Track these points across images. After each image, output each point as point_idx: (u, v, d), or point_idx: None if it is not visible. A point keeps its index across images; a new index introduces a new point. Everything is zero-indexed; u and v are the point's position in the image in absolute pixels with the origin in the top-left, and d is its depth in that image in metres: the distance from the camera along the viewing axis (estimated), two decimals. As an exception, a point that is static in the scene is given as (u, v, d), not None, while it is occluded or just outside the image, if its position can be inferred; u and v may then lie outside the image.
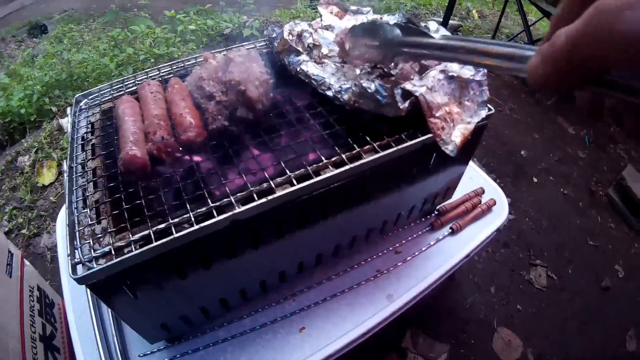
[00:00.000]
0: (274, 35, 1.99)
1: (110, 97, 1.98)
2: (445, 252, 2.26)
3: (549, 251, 4.16)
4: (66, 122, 4.58)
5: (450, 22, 6.40)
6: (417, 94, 1.54)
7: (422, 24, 1.86)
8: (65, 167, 1.62)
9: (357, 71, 1.71)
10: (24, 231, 4.06)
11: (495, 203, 2.52)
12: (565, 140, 5.42)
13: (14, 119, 5.13)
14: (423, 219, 2.40)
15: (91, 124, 1.84)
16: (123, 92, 2.00)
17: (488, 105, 1.70)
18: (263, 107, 1.64)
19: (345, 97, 1.66)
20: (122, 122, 1.63)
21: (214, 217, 1.35)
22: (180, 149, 1.57)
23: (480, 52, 0.85)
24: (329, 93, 1.71)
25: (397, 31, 1.41)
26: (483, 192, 2.59)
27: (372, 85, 1.59)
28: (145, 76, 2.09)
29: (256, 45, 2.17)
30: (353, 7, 2.17)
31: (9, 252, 2.37)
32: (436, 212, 2.43)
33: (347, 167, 1.50)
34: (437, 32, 1.79)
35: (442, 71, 1.65)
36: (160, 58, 5.53)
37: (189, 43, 5.91)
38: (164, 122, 1.58)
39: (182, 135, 1.55)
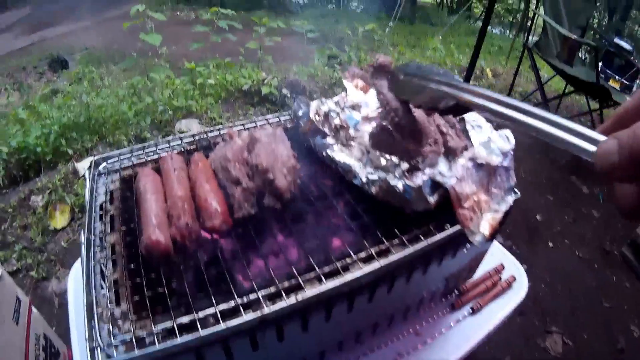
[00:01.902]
0: (300, 113, 1.98)
1: (130, 163, 1.97)
2: (465, 333, 2.18)
3: (564, 316, 4.08)
4: (82, 167, 4.58)
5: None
6: (447, 185, 1.51)
7: None
8: (82, 238, 1.57)
9: (383, 161, 1.68)
10: (32, 273, 3.99)
11: (515, 279, 2.45)
12: (580, 200, 5.38)
13: (29, 155, 5.11)
14: (444, 299, 2.32)
15: (110, 193, 1.82)
16: (144, 159, 1.99)
17: (514, 189, 1.66)
18: (291, 196, 1.59)
19: (373, 190, 1.64)
20: (143, 199, 1.59)
21: (241, 314, 1.31)
22: (205, 234, 1.53)
23: (545, 120, 0.79)
24: (356, 182, 1.69)
25: (453, 75, 1.37)
26: (503, 268, 2.52)
27: (399, 185, 1.58)
28: (167, 145, 2.08)
29: (280, 119, 2.17)
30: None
31: (17, 298, 2.34)
32: (457, 292, 2.36)
33: (376, 264, 1.46)
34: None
35: (471, 159, 1.61)
36: (179, 110, 5.57)
37: (207, 97, 5.91)
38: (188, 205, 1.55)
39: (207, 222, 1.51)
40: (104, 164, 1.96)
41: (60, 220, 4.40)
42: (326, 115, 1.90)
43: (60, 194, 4.58)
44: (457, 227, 1.58)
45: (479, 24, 21.03)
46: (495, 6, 21.58)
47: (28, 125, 5.29)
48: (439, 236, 1.57)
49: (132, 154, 2.02)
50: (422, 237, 1.56)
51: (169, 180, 1.67)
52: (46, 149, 5.07)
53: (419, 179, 1.56)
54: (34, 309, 2.54)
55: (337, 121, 1.86)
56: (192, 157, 1.83)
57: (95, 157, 1.97)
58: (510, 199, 1.63)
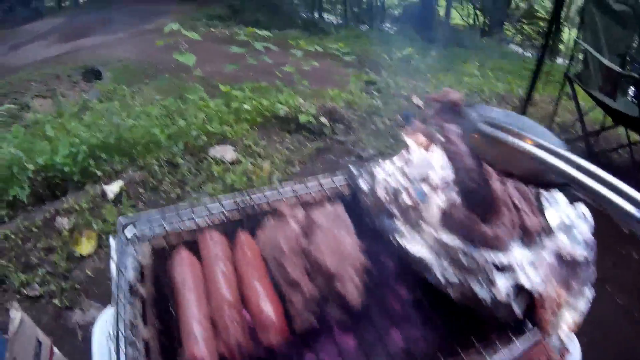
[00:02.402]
0: (365, 187, 1.85)
1: (163, 231, 1.81)
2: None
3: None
4: (110, 190, 4.51)
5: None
6: (534, 293, 1.36)
7: None
8: (111, 331, 1.42)
9: (458, 242, 1.53)
10: (55, 301, 3.90)
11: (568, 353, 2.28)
12: (620, 240, 5.18)
13: (56, 174, 5.08)
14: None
15: (140, 267, 1.66)
16: (178, 228, 1.83)
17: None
18: (359, 305, 1.42)
19: (452, 293, 1.51)
20: (182, 297, 1.46)
21: None
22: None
23: None
24: (430, 279, 1.55)
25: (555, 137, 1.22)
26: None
27: (486, 297, 1.45)
28: (206, 215, 1.90)
29: (335, 182, 2.03)
30: (439, 136, 1.98)
31: (38, 341, 2.28)
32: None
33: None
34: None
35: (556, 254, 1.47)
36: (213, 136, 5.51)
37: (242, 122, 5.86)
38: (237, 312, 1.39)
39: (260, 334, 1.35)
40: (132, 230, 1.80)
41: (86, 246, 4.34)
42: (395, 192, 1.77)
43: (87, 218, 4.53)
44: (537, 334, 1.47)
45: (512, 47, 20.90)
46: (526, 27, 21.34)
47: (56, 143, 5.25)
48: (518, 346, 1.43)
49: (163, 217, 1.87)
50: (499, 346, 1.41)
51: (211, 273, 1.52)
52: (74, 169, 5.03)
53: (505, 285, 1.41)
54: (55, 351, 2.48)
55: (405, 198, 1.73)
56: (238, 238, 1.68)
57: (121, 218, 1.82)
58: (589, 293, 1.48)
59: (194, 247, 1.72)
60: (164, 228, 1.82)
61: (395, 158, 1.95)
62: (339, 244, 1.47)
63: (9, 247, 4.41)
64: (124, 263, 1.65)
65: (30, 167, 4.89)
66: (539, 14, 22.46)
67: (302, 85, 7.03)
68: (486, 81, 8.57)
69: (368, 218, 1.76)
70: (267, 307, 1.38)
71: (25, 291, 4.00)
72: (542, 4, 23.00)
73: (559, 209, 1.62)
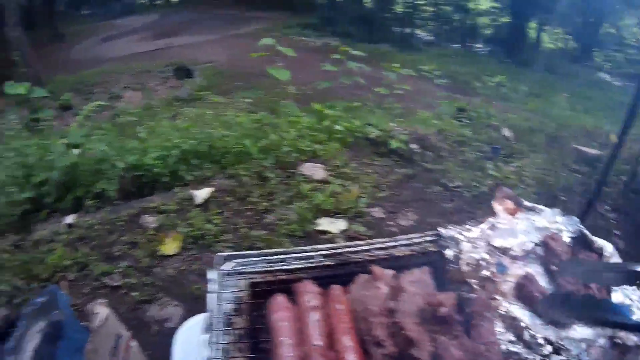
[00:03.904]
0: (451, 254, 1.97)
1: (260, 270, 2.03)
2: None
3: None
4: (199, 195, 4.72)
5: (590, 151, 6.09)
6: None
7: (593, 240, 1.97)
8: (207, 352, 1.64)
9: (527, 315, 1.75)
10: (134, 294, 4.13)
11: None
12: None
13: (146, 174, 5.35)
14: None
15: (238, 301, 1.88)
16: (275, 268, 2.04)
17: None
18: None
19: None
20: (277, 337, 1.66)
21: None
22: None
23: None
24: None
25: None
26: None
27: None
28: (302, 259, 2.09)
29: (424, 240, 2.12)
30: (527, 204, 2.21)
31: (117, 334, 2.54)
32: None
33: None
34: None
35: (610, 336, 1.68)
36: (304, 153, 5.68)
37: (334, 141, 6.00)
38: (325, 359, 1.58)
39: None
40: (231, 264, 2.04)
41: (170, 246, 4.56)
42: (477, 264, 1.91)
43: (174, 220, 4.77)
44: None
45: (601, 74, 20.40)
46: (615, 53, 20.68)
47: (147, 144, 5.57)
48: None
49: (261, 257, 2.08)
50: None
51: (305, 320, 1.73)
52: (164, 171, 5.31)
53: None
54: (132, 343, 2.74)
55: (486, 272, 1.89)
56: (331, 291, 1.87)
57: (223, 255, 2.07)
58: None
59: (288, 289, 1.92)
60: (262, 267, 2.04)
61: (482, 225, 2.09)
62: (421, 312, 1.64)
63: (92, 236, 4.72)
64: (222, 295, 1.89)
65: (120, 165, 5.20)
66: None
67: (394, 108, 7.14)
68: (574, 114, 8.44)
69: (450, 286, 1.89)
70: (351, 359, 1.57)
71: (105, 280, 4.27)
72: (632, 31, 22.44)
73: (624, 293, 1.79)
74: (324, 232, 4.61)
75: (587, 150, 5.84)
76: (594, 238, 1.96)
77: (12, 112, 6.47)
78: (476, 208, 2.20)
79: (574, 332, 1.66)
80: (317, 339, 1.63)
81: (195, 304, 4.03)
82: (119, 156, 5.31)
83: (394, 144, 5.69)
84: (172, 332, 2.38)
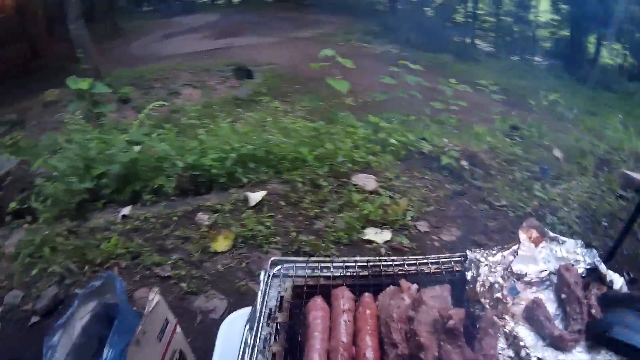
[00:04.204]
0: (469, 276, 2.14)
1: (303, 275, 2.29)
2: None
3: None
4: (253, 197, 4.90)
5: (638, 177, 6.00)
6: None
7: (605, 273, 2.10)
8: (249, 341, 1.90)
9: (531, 335, 1.94)
10: (183, 284, 4.38)
11: None
12: None
13: (203, 174, 5.60)
14: None
15: (280, 299, 2.15)
16: (317, 274, 2.29)
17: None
18: None
19: None
20: (311, 334, 1.93)
21: None
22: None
23: None
24: None
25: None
26: None
27: None
28: (341, 268, 2.34)
29: (452, 261, 2.34)
30: (552, 234, 2.33)
31: (166, 320, 2.75)
32: None
33: None
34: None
35: None
36: (357, 164, 5.82)
37: (387, 154, 6.12)
38: (347, 353, 1.85)
39: None
40: (279, 267, 2.30)
41: (222, 244, 4.79)
42: (491, 286, 2.08)
43: (228, 220, 4.99)
44: None
45: None
46: None
47: (207, 146, 5.79)
48: None
49: (307, 265, 2.33)
50: None
51: (336, 320, 1.99)
52: (221, 172, 5.54)
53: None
54: (178, 329, 2.95)
55: (498, 294, 2.06)
56: (363, 297, 2.12)
57: (273, 259, 2.34)
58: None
59: (326, 292, 2.17)
60: (306, 271, 2.30)
61: (505, 251, 2.25)
62: (434, 323, 1.86)
63: (147, 228, 5.00)
64: (268, 293, 2.16)
65: (180, 164, 5.47)
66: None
67: (448, 123, 7.19)
68: (628, 137, 8.30)
69: (466, 303, 2.07)
70: (370, 355, 1.84)
71: (156, 270, 4.54)
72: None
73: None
74: (369, 242, 4.74)
75: (635, 176, 5.78)
76: (607, 271, 2.09)
77: (74, 105, 6.73)
78: (518, 228, 2.28)
79: (572, 355, 1.82)
80: (344, 337, 1.89)
81: (240, 299, 4.26)
82: (179, 155, 5.58)
83: (445, 160, 5.77)
84: (215, 322, 2.58)
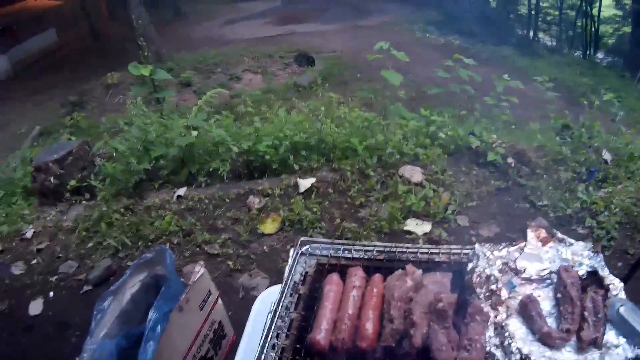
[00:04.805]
0: (469, 266, 2.30)
1: (327, 254, 2.59)
2: None
3: None
4: (303, 184, 5.13)
5: None
6: None
7: (605, 276, 2.16)
8: (272, 307, 2.23)
9: (521, 329, 2.06)
10: (229, 262, 4.72)
11: None
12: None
13: (256, 159, 5.85)
14: None
15: (305, 274, 2.48)
16: (339, 255, 2.58)
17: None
18: (419, 347, 2.02)
19: None
20: (324, 303, 2.24)
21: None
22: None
23: None
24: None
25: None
26: None
27: None
28: (361, 251, 2.60)
29: (462, 253, 2.50)
30: (560, 235, 2.42)
31: (209, 292, 3.12)
32: None
33: None
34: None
35: None
36: (405, 156, 5.92)
37: (436, 147, 6.18)
38: (351, 323, 2.14)
39: (358, 340, 2.07)
40: (307, 246, 2.60)
41: (270, 226, 5.07)
42: (487, 278, 2.23)
43: (277, 204, 5.24)
44: None
45: None
46: None
47: (262, 133, 6.00)
48: None
49: (332, 245, 2.61)
50: None
51: (347, 294, 2.26)
52: (274, 158, 5.75)
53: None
54: (219, 301, 3.31)
55: (493, 286, 2.19)
56: (373, 277, 2.36)
57: (302, 238, 2.64)
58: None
59: (344, 271, 2.44)
60: (330, 252, 2.59)
61: (512, 247, 2.37)
62: (429, 305, 2.08)
63: (200, 208, 5.34)
64: (295, 268, 2.47)
65: (235, 149, 5.74)
66: None
67: (499, 119, 7.17)
68: None
69: (464, 292, 2.25)
70: (369, 327, 2.10)
71: (205, 247, 4.88)
72: None
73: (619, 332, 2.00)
74: (409, 232, 4.90)
75: None
76: (607, 275, 2.17)
77: (135, 89, 7.01)
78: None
79: (560, 354, 1.94)
80: (350, 309, 2.17)
81: (281, 279, 4.41)
82: (235, 141, 5.83)
83: (491, 156, 5.78)
84: (255, 299, 2.80)
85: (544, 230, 2.44)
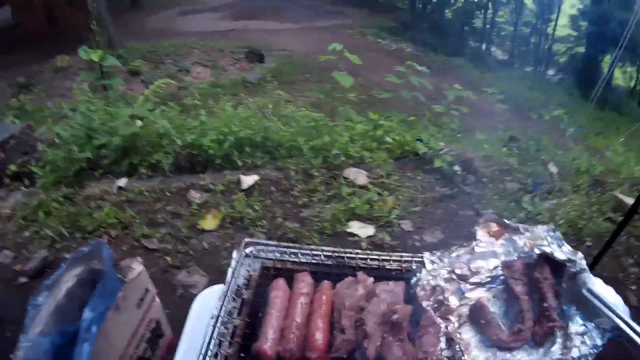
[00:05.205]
0: (414, 280, 2.23)
1: (273, 258, 2.49)
2: None
3: None
4: (246, 181, 5.06)
5: (630, 201, 5.91)
6: None
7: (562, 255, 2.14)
8: (215, 312, 2.11)
9: (474, 337, 2.08)
10: (168, 258, 4.58)
11: None
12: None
13: (200, 153, 5.77)
14: None
15: (249, 278, 2.36)
16: (286, 259, 2.49)
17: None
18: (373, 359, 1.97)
19: None
20: (270, 310, 2.16)
21: None
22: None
23: None
24: None
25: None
26: None
27: None
28: (309, 255, 2.51)
29: (413, 261, 2.42)
30: (513, 225, 2.40)
31: (146, 289, 3.02)
32: None
33: None
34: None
35: None
36: (351, 158, 5.93)
37: (382, 151, 6.21)
38: (299, 332, 2.06)
39: (307, 351, 2.00)
40: (251, 249, 2.49)
41: (210, 223, 4.98)
42: (433, 289, 2.19)
43: (219, 200, 5.16)
44: None
45: None
46: None
47: (207, 127, 5.93)
48: None
49: (277, 248, 2.52)
50: None
51: (294, 301, 2.19)
52: (217, 153, 5.69)
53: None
54: (157, 299, 3.21)
55: (440, 297, 2.16)
56: (322, 284, 2.31)
57: (246, 240, 2.53)
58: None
59: (290, 276, 2.38)
60: (275, 255, 2.49)
61: (461, 250, 2.36)
62: (382, 315, 2.03)
63: (140, 201, 5.22)
64: (239, 271, 2.36)
65: (179, 142, 5.63)
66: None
67: (448, 127, 7.24)
68: (627, 161, 8.24)
69: (411, 303, 2.17)
70: (319, 337, 2.03)
71: (144, 242, 4.74)
72: None
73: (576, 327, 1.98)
74: (352, 235, 4.86)
75: (627, 200, 5.76)
76: (566, 252, 2.16)
77: (83, 75, 6.87)
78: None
79: (512, 357, 1.93)
80: (298, 317, 2.10)
81: (220, 277, 4.32)
82: (179, 133, 5.72)
83: (438, 163, 5.79)
84: (194, 297, 2.73)
85: (494, 224, 2.43)
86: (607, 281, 2.09)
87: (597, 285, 2.01)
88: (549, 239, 2.26)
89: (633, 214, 3.80)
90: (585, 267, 2.09)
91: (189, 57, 14.87)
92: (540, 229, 2.34)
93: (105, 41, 11.74)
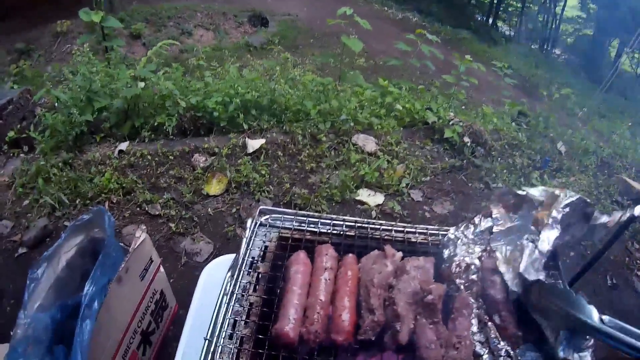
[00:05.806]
0: (446, 254, 2.16)
1: (290, 227, 2.35)
2: None
3: None
4: (251, 144, 4.94)
5: (637, 186, 5.90)
6: None
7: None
8: (228, 288, 1.97)
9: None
10: (171, 224, 4.47)
11: None
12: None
13: (204, 115, 5.62)
14: None
15: (264, 249, 2.22)
16: (304, 228, 2.35)
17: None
18: (405, 343, 1.82)
19: None
20: (290, 287, 1.99)
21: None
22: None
23: None
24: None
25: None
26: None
27: None
28: (329, 225, 2.38)
29: (440, 233, 2.33)
30: (521, 192, 2.25)
31: (150, 259, 2.88)
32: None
33: None
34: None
35: None
36: (360, 125, 5.83)
37: (391, 119, 6.13)
38: (324, 312, 1.91)
39: (332, 333, 1.84)
40: (267, 216, 2.36)
41: (215, 187, 4.88)
42: (467, 267, 2.09)
43: (224, 164, 5.02)
44: None
45: None
46: None
47: (212, 89, 5.78)
48: None
49: (295, 217, 2.38)
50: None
51: (317, 277, 2.04)
52: (222, 116, 5.53)
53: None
54: (161, 269, 3.09)
55: (474, 276, 2.06)
56: (346, 258, 2.15)
57: (261, 207, 2.39)
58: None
59: (311, 248, 2.22)
60: (293, 224, 2.35)
61: (483, 224, 2.23)
62: (413, 294, 1.89)
63: (142, 165, 5.09)
64: (254, 241, 2.22)
65: (183, 104, 5.46)
66: None
67: (458, 98, 7.16)
68: (633, 146, 8.21)
69: (442, 280, 2.08)
70: (346, 317, 1.87)
71: (147, 208, 4.64)
72: None
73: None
74: (361, 203, 4.81)
75: (634, 184, 5.72)
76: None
77: (83, 37, 6.72)
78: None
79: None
80: (322, 295, 1.94)
81: (226, 244, 4.35)
82: (183, 95, 5.56)
83: (448, 133, 5.76)
84: (199, 265, 2.63)
85: (509, 198, 2.27)
86: (613, 265, 2.03)
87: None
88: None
89: (617, 238, 3.68)
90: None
91: (191, 20, 14.65)
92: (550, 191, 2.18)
93: (106, 4, 11.59)
